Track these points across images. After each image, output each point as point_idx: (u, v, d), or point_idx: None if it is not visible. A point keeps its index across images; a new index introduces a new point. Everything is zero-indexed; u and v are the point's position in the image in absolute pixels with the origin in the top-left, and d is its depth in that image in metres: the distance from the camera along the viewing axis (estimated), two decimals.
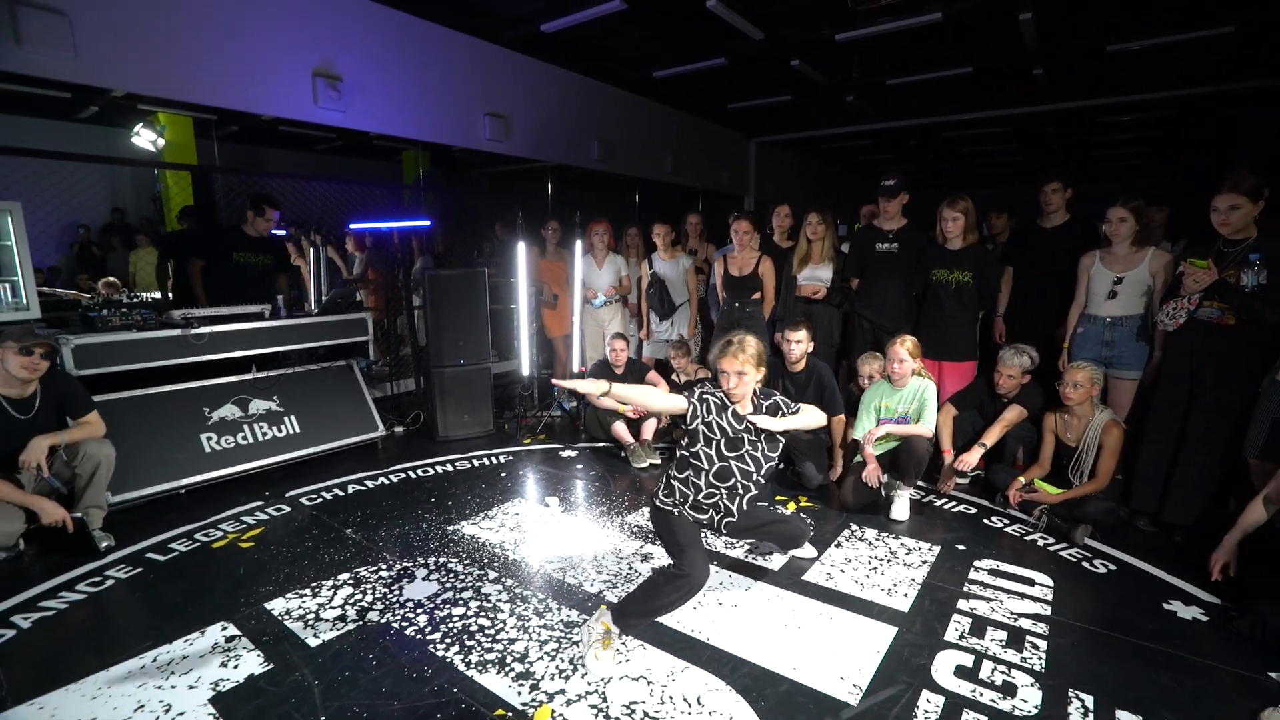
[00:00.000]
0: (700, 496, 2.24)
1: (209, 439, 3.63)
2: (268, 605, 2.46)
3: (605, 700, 1.93)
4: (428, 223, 5.94)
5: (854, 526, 3.19)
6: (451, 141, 5.60)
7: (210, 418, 3.68)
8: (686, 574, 2.12)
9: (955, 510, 3.39)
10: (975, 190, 4.41)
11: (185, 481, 3.46)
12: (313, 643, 2.23)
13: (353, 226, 6.09)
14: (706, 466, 2.20)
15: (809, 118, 8.71)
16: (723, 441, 2.19)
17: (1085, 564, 2.81)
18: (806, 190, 10.97)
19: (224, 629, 2.31)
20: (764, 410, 2.23)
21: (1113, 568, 2.78)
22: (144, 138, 7.57)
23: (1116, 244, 3.28)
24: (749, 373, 2.15)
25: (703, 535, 2.35)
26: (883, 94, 7.48)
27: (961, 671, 2.06)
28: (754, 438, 2.20)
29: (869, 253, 4.01)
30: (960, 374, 3.79)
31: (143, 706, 1.91)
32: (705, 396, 2.21)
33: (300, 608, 2.45)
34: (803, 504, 3.48)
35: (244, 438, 3.75)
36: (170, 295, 4.68)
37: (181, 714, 1.88)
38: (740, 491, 2.24)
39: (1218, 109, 8.10)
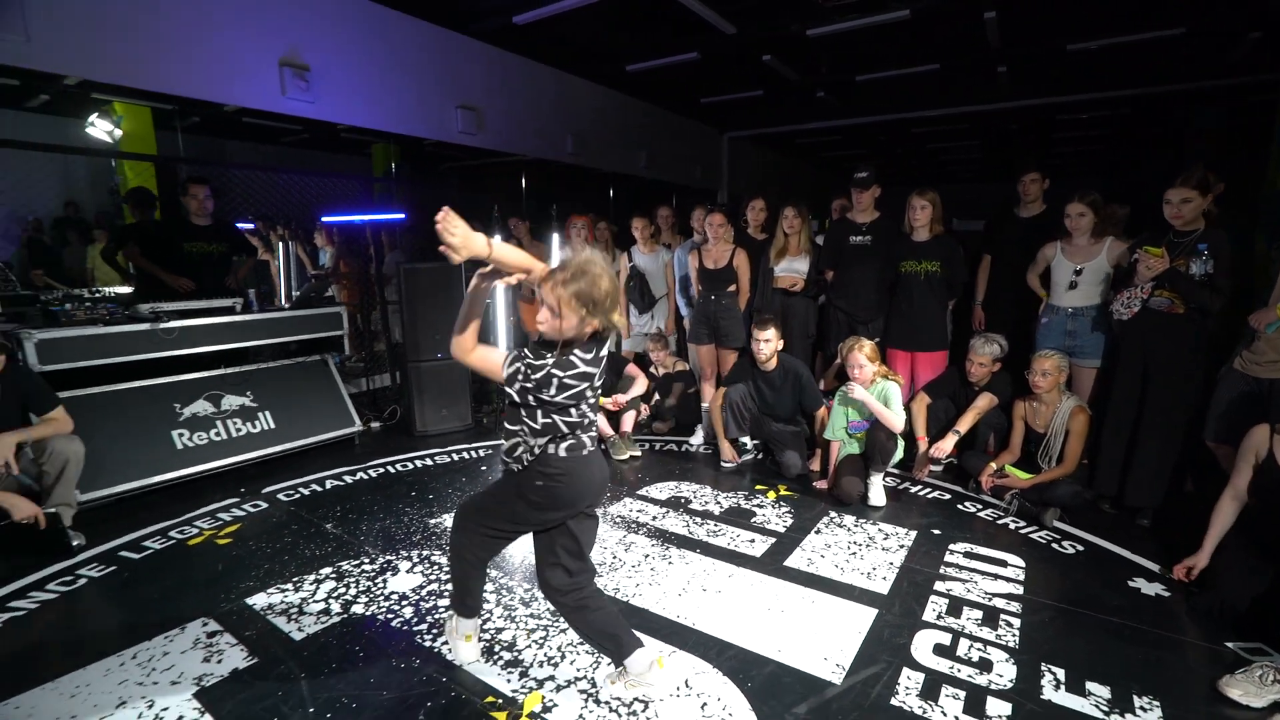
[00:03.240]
0: None
1: (180, 435, 3.54)
2: (249, 600, 2.43)
3: (594, 685, 1.95)
4: (402, 216, 5.85)
5: (833, 514, 3.26)
6: (423, 134, 5.53)
7: (181, 414, 3.59)
8: None
9: (930, 496, 3.49)
10: (941, 186, 4.52)
11: (156, 479, 3.38)
12: (297, 636, 2.21)
13: (325, 219, 5.97)
14: None
15: (780, 113, 8.81)
16: None
17: (1055, 545, 2.92)
18: (778, 185, 11.10)
19: (205, 625, 2.27)
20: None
21: (1081, 548, 2.89)
22: (99, 128, 7.29)
23: (1077, 236, 3.41)
24: (567, 316, 1.65)
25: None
26: (852, 90, 7.61)
27: (940, 649, 2.14)
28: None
29: (843, 245, 4.09)
30: (932, 363, 3.89)
31: (124, 703, 1.87)
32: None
33: (283, 602, 2.42)
34: (782, 492, 3.54)
35: (217, 434, 3.67)
36: (132, 288, 4.49)
37: (165, 709, 1.85)
38: None
39: (1169, 109, 8.42)
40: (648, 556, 2.78)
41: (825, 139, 10.58)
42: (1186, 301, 2.91)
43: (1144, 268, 2.96)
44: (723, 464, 3.91)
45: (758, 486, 3.62)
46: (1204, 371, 3.04)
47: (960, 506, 3.35)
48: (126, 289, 4.81)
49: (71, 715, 1.83)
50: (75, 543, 2.81)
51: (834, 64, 6.71)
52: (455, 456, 4.14)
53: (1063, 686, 1.94)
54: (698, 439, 4.35)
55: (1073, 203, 3.35)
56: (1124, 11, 5.23)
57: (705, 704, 1.86)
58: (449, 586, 2.05)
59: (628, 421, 4.22)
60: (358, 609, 2.38)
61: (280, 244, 6.73)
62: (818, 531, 3.05)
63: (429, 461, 4.05)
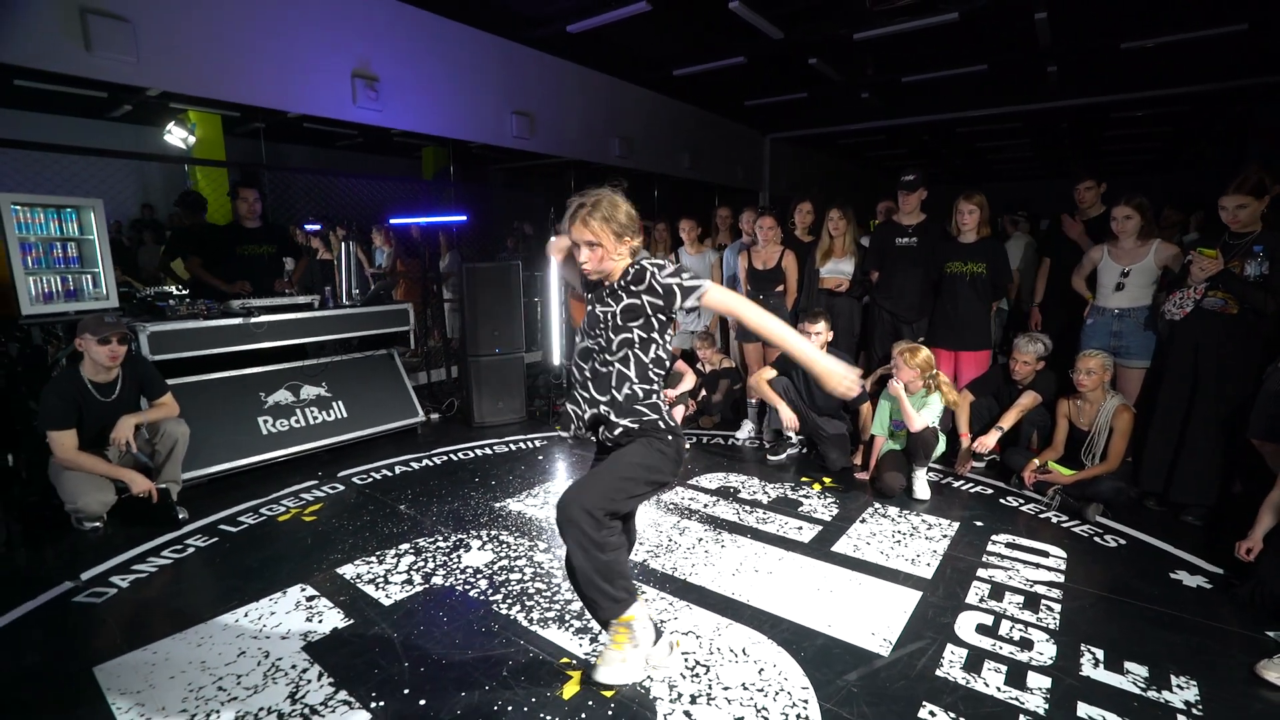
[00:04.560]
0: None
1: (265, 422, 3.85)
2: (339, 570, 2.68)
3: None
4: (463, 218, 6.14)
5: (877, 505, 3.38)
6: (480, 139, 5.80)
7: (266, 402, 3.90)
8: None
9: (973, 491, 3.58)
10: (989, 185, 4.55)
11: (245, 461, 3.69)
12: (386, 602, 2.44)
13: (391, 221, 6.31)
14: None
15: (824, 114, 8.86)
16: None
17: (1097, 539, 2.99)
18: (820, 186, 11.13)
19: (303, 590, 2.53)
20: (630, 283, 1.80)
21: (1123, 542, 2.96)
22: (175, 135, 7.79)
23: (1123, 239, 3.45)
24: (604, 244, 1.76)
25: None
26: (898, 91, 7.63)
27: (982, 629, 2.25)
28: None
29: (888, 246, 4.18)
30: (976, 362, 3.96)
31: (244, 653, 2.13)
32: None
33: (369, 572, 2.67)
34: (827, 484, 3.67)
35: (297, 421, 3.98)
36: (185, 290, 4.80)
37: (280, 659, 2.10)
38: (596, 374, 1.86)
39: (1230, 105, 8.19)
40: (701, 540, 2.95)
41: (869, 139, 10.57)
42: (1241, 302, 2.94)
43: (1197, 269, 3.00)
44: (785, 432, 4.01)
45: (803, 478, 3.76)
46: (1256, 372, 3.06)
47: (1003, 501, 3.43)
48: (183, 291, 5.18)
49: (202, 660, 2.09)
50: (181, 516, 3.11)
51: (880, 66, 6.76)
52: (512, 446, 4.38)
53: (1101, 665, 2.05)
54: (744, 433, 4.49)
55: (1119, 205, 3.40)
56: (1183, 8, 5.17)
57: (762, 669, 2.03)
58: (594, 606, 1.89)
59: (676, 415, 4.38)
60: (437, 580, 2.61)
61: (341, 244, 7.11)
62: (863, 521, 3.17)
63: (488, 450, 4.29)
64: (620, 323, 1.79)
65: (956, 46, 6.08)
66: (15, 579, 2.62)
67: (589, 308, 1.90)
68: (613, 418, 1.82)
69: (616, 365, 1.81)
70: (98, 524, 3.01)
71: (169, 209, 9.47)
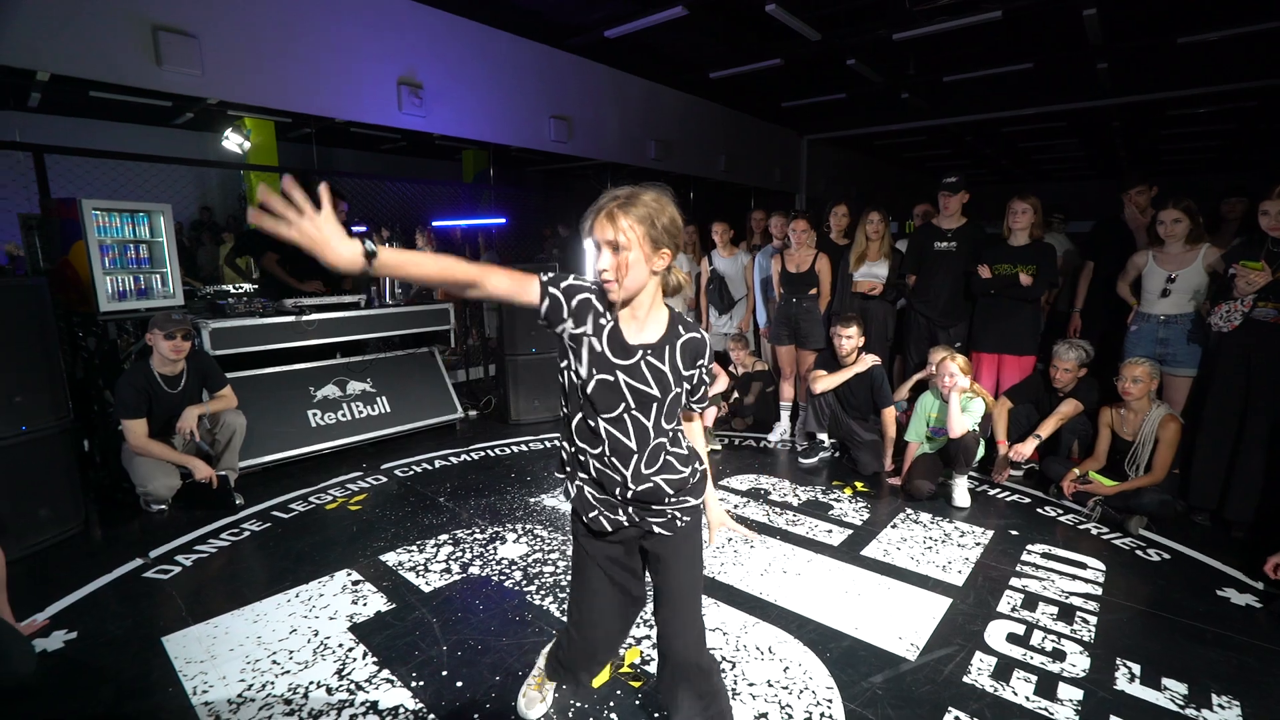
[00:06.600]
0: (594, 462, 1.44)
1: (314, 415, 4.04)
2: (382, 557, 2.81)
3: None
4: (503, 220, 6.30)
5: (909, 510, 3.36)
6: (519, 143, 5.93)
7: (315, 396, 4.09)
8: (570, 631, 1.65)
9: (1010, 500, 3.52)
10: (1036, 185, 4.42)
11: (296, 452, 3.88)
12: (426, 589, 2.56)
13: (435, 224, 6.50)
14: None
15: (863, 115, 8.77)
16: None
17: (1139, 552, 2.92)
18: (858, 187, 10.98)
19: (349, 574, 2.66)
20: (681, 343, 1.39)
21: (1167, 557, 2.88)
22: (232, 141, 8.17)
23: (1170, 244, 3.35)
24: (634, 248, 1.28)
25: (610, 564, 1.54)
26: (939, 91, 7.51)
27: (1013, 638, 2.24)
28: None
29: (927, 250, 4.14)
30: (1020, 367, 3.89)
31: (295, 630, 2.26)
32: (575, 286, 1.34)
33: (410, 560, 2.79)
34: (859, 489, 3.66)
35: (343, 415, 4.15)
36: (255, 286, 5.09)
37: (328, 637, 2.22)
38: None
39: None
40: (730, 540, 2.99)
41: (909, 139, 10.41)
42: None
43: (1244, 283, 2.91)
44: (819, 435, 4.04)
45: (835, 482, 3.76)
46: None
47: (1040, 511, 3.37)
48: (251, 287, 5.47)
49: (258, 636, 2.23)
50: (238, 501, 3.30)
51: (920, 65, 6.67)
52: (548, 444, 4.48)
53: (1137, 680, 2.02)
54: (776, 435, 4.51)
55: (1166, 209, 3.31)
56: (1239, 2, 4.98)
57: (787, 668, 2.07)
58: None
59: (709, 416, 4.43)
60: (474, 570, 2.71)
61: (386, 245, 7.36)
62: (894, 526, 3.16)
63: (524, 447, 4.40)
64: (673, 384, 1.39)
65: (1001, 45, 5.97)
66: (93, 554, 2.84)
67: (604, 374, 1.34)
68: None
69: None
70: (164, 506, 3.22)
71: (227, 210, 9.95)
